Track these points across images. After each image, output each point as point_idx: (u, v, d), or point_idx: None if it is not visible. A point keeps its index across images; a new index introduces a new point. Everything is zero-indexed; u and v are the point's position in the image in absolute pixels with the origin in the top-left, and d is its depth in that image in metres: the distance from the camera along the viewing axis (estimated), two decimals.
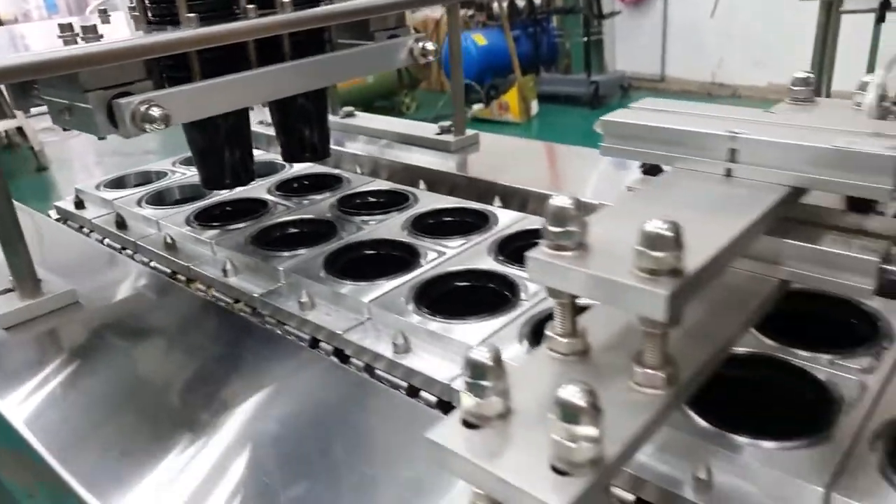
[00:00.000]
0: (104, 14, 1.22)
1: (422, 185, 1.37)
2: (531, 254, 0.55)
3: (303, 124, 1.22)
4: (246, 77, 1.02)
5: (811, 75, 0.81)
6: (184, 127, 1.11)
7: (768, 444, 0.62)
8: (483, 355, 0.50)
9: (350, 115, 1.69)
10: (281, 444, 0.73)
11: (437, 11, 7.05)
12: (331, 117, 1.68)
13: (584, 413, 0.45)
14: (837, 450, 0.61)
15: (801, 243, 0.65)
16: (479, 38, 6.64)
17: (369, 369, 0.86)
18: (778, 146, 0.64)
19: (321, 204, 1.28)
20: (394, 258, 1.05)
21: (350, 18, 1.08)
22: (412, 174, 1.41)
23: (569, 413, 0.45)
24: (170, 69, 1.01)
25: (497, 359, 0.50)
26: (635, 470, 0.64)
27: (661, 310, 0.48)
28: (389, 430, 0.75)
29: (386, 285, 0.95)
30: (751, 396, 0.74)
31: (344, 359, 0.89)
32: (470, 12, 6.80)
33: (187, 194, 1.39)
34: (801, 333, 0.76)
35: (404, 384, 0.82)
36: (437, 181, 1.38)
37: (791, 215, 0.68)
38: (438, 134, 1.52)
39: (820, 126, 0.67)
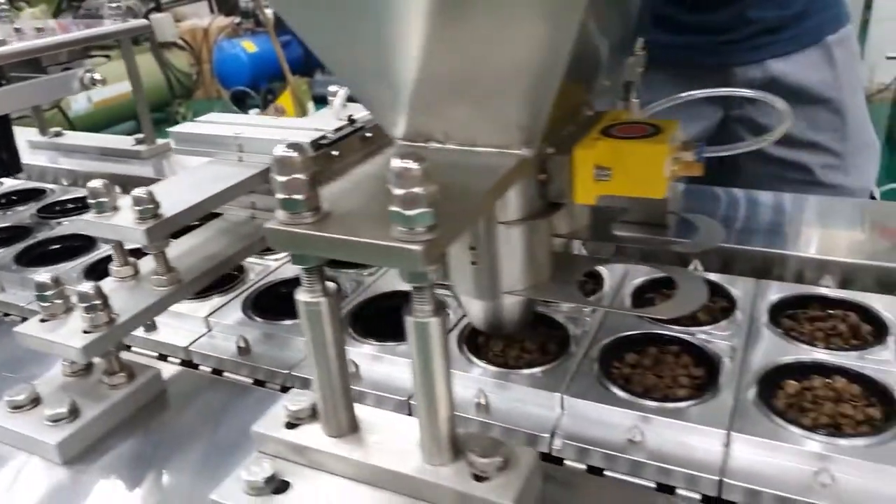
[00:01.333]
0: None
1: (117, 189, 1.68)
2: (83, 217, 0.92)
3: None
4: None
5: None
6: None
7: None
8: (45, 277, 0.86)
9: (58, 134, 1.94)
10: None
11: (204, 21, 7.14)
12: (41, 138, 1.93)
13: (92, 297, 0.83)
14: None
15: None
16: (249, 45, 6.84)
17: None
18: (259, 140, 1.06)
19: (23, 213, 1.55)
20: (76, 247, 1.36)
21: (7, 61, 1.37)
22: (110, 181, 1.71)
23: (83, 298, 0.83)
24: None
25: (55, 280, 0.87)
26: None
27: (142, 237, 0.87)
28: None
29: (64, 267, 1.27)
30: None
31: None
32: (237, 20, 6.98)
33: None
34: None
35: None
36: (129, 184, 1.69)
37: None
38: (134, 145, 1.83)
39: (294, 126, 1.10)
